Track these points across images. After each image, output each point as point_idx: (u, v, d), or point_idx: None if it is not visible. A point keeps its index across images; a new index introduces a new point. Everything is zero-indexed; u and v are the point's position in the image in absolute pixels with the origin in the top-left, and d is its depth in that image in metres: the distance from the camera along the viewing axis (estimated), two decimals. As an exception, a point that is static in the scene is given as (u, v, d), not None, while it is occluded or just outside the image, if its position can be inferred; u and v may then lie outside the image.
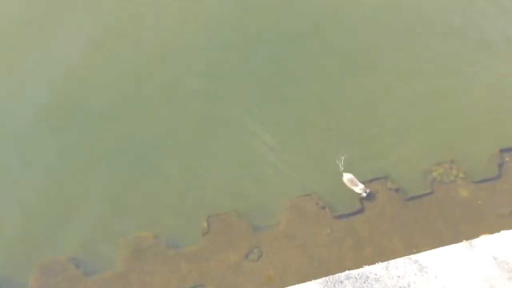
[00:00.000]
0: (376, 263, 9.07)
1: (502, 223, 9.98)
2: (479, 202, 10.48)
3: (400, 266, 9.00)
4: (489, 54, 11.74)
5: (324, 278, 9.08)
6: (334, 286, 8.93)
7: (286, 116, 11.21)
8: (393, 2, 11.46)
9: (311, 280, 9.09)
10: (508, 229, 9.43)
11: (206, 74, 11.25)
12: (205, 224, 10.29)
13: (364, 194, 10.32)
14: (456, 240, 9.53)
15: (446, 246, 9.25)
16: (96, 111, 10.82)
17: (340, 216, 10.51)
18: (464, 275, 8.81)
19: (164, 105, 11.04)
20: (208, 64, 11.39)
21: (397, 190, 10.69)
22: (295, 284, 9.08)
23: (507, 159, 10.83)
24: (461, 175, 10.78)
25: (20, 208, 10.03)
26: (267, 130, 11.03)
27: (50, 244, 9.90)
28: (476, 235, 9.45)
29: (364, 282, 8.86)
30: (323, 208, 10.50)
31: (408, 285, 8.80)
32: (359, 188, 10.32)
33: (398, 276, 8.87)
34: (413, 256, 9.09)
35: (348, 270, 9.13)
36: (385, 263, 8.98)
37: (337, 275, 9.07)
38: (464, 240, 9.19)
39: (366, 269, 9.02)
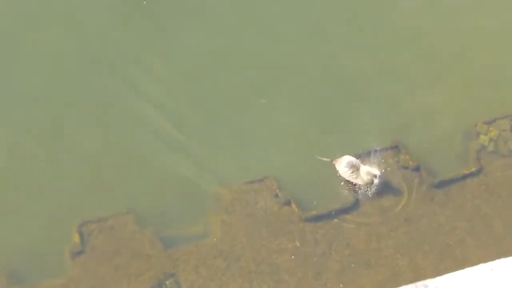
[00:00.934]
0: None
1: None
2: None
3: None
4: None
5: None
6: None
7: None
8: None
9: None
10: None
11: None
12: (76, 238, 7.48)
13: (371, 183, 7.67)
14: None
15: (493, 262, 7.12)
16: None
17: (317, 218, 7.80)
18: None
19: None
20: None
21: (417, 169, 8.05)
22: None
23: None
24: None
25: None
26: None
27: None
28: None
29: None
30: (287, 203, 7.76)
31: None
32: (362, 174, 7.71)
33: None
34: (430, 282, 6.95)
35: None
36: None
37: None
38: None
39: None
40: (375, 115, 8.54)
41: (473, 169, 8.09)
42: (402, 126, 8.42)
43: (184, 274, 7.30)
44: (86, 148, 8.22)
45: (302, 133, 8.29)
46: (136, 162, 8.11)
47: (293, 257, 7.46)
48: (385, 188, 7.95)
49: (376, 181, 7.82)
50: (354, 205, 7.81)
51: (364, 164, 7.84)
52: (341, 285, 7.34)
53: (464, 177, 8.03)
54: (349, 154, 7.94)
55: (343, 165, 7.83)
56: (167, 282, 7.29)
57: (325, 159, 8.03)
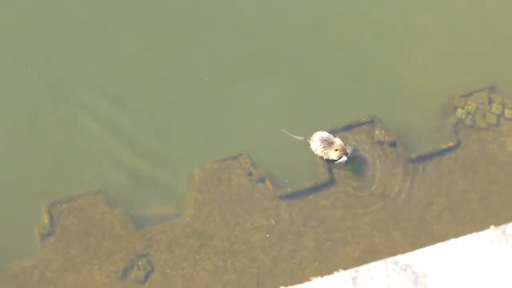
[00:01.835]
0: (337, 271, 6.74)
1: None
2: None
3: (377, 273, 6.78)
4: None
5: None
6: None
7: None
8: None
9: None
10: None
11: None
12: (45, 219, 7.34)
13: (344, 159, 7.61)
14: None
15: (464, 237, 6.98)
16: None
17: (292, 195, 7.69)
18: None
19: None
20: None
21: (393, 144, 7.93)
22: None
23: None
24: (508, 113, 8.22)
25: None
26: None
27: None
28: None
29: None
30: (262, 181, 7.66)
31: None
32: (335, 149, 7.62)
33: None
34: (400, 258, 6.82)
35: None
36: (352, 271, 6.67)
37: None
38: (493, 226, 7.11)
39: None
40: (351, 90, 8.33)
41: (451, 144, 7.93)
42: (378, 100, 8.22)
43: (157, 254, 7.16)
44: (54, 129, 8.08)
45: (276, 110, 8.08)
46: (105, 140, 7.96)
47: (267, 235, 7.30)
48: (360, 164, 7.81)
49: (349, 156, 7.66)
50: (329, 182, 7.64)
51: (337, 139, 7.66)
52: (316, 263, 7.21)
53: (442, 151, 7.87)
54: (323, 130, 7.74)
55: (315, 140, 7.67)
56: (140, 263, 7.13)
57: (298, 137, 7.87)
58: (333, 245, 7.31)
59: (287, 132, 7.93)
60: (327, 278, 6.80)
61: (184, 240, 7.25)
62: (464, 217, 7.59)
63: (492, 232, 7.05)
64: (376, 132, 7.92)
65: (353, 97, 8.25)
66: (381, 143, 7.87)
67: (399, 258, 6.93)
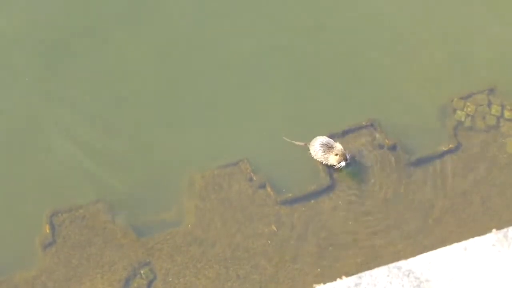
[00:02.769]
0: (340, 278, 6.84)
1: None
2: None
3: (380, 279, 6.81)
4: None
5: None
6: None
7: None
8: None
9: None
10: None
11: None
12: (47, 229, 7.30)
13: (343, 164, 7.59)
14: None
15: (467, 242, 6.97)
16: None
17: (293, 200, 7.63)
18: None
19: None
20: None
21: (393, 148, 7.90)
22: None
23: None
24: (508, 114, 8.14)
25: None
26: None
27: None
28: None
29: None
30: (262, 187, 7.62)
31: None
32: (335, 154, 7.60)
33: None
34: (403, 264, 6.82)
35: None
36: (355, 278, 6.72)
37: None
38: (495, 230, 7.12)
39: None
40: (350, 94, 8.24)
41: (451, 146, 7.86)
42: (378, 104, 8.12)
43: (159, 263, 7.11)
44: (53, 137, 7.97)
45: (276, 115, 7.99)
46: (106, 148, 7.84)
47: (269, 241, 7.25)
48: (361, 168, 7.75)
49: (349, 161, 7.59)
50: (330, 186, 7.58)
51: (337, 144, 7.60)
52: (318, 269, 7.16)
53: (442, 154, 7.81)
54: (324, 135, 7.66)
55: (315, 145, 7.63)
56: (142, 271, 7.09)
57: (299, 143, 7.78)
58: (335, 251, 7.25)
59: (288, 139, 7.84)
60: (330, 285, 6.82)
61: (185, 248, 7.20)
62: (466, 220, 7.54)
63: (494, 235, 7.07)
64: (376, 135, 7.87)
65: (353, 101, 8.17)
66: (381, 146, 7.84)
67: (402, 263, 6.89)
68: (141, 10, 8.62)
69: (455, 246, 7.07)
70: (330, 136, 7.69)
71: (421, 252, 7.08)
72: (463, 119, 8.10)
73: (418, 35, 8.64)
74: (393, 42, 8.57)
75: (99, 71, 8.25)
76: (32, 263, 7.21)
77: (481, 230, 7.30)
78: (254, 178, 7.58)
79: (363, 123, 7.88)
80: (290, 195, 7.52)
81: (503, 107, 8.16)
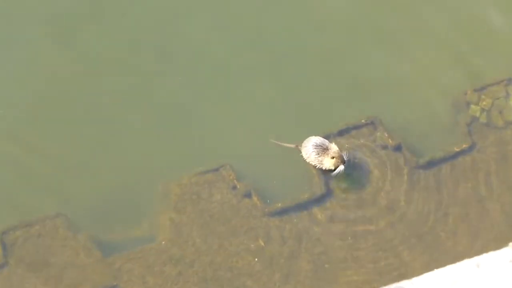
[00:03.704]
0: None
1: None
2: None
3: None
4: None
5: None
6: None
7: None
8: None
9: None
10: None
11: None
12: None
13: (342, 167, 7.03)
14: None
15: (480, 257, 6.53)
16: None
17: (283, 211, 7.12)
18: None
19: None
20: None
21: (398, 148, 7.36)
22: None
23: None
24: None
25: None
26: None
27: None
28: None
29: None
30: (248, 196, 7.14)
31: None
32: (331, 157, 7.04)
33: None
34: (407, 284, 6.42)
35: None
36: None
37: None
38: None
39: None
40: (346, 88, 7.71)
41: (465, 146, 7.45)
42: (378, 99, 7.61)
43: (128, 286, 6.62)
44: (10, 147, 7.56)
45: (262, 113, 7.48)
46: (68, 155, 7.40)
47: (256, 259, 6.70)
48: (361, 172, 7.27)
49: (347, 164, 7.07)
50: (326, 195, 7.09)
51: (333, 145, 7.07)
52: (312, 289, 6.86)
53: (455, 155, 7.36)
54: (317, 135, 7.12)
55: (308, 147, 7.08)
56: (108, 296, 6.84)
57: (289, 145, 7.26)
58: (332, 269, 6.76)
59: (276, 141, 7.33)
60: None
61: (159, 268, 6.71)
62: (481, 231, 7.01)
63: (511, 250, 6.72)
64: (378, 135, 7.44)
65: (349, 96, 7.69)
66: (384, 147, 7.37)
67: (405, 283, 6.55)
68: (105, 10, 8.20)
69: (467, 262, 6.74)
70: (325, 136, 7.18)
71: (428, 270, 6.60)
72: (478, 114, 7.78)
73: (424, 22, 8.13)
74: (393, 33, 8.04)
75: (64, 71, 7.74)
76: (-19, 289, 6.86)
77: (501, 242, 6.77)
78: (238, 186, 7.11)
79: (362, 120, 7.44)
80: (279, 205, 7.03)
81: (524, 99, 7.98)
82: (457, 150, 7.48)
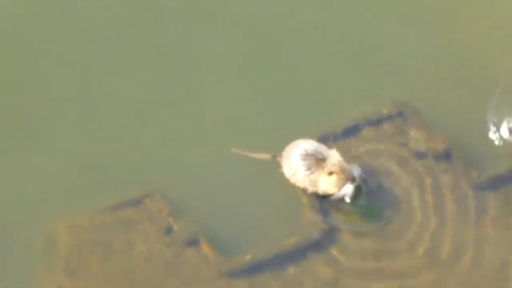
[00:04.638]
0: None
1: None
2: None
3: None
4: None
5: None
6: None
7: None
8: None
9: None
10: None
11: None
12: None
13: (350, 191, 4.51)
14: None
15: None
16: None
17: (254, 267, 4.53)
18: None
19: None
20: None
21: (446, 155, 4.87)
22: None
23: None
24: None
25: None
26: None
27: None
28: None
29: None
30: (193, 243, 4.59)
31: None
32: (329, 172, 4.58)
33: None
34: None
35: None
36: None
37: None
38: None
39: None
40: (355, 65, 5.49)
41: None
42: (408, 81, 5.06)
43: None
44: None
45: (216, 110, 5.20)
46: None
47: None
48: (383, 197, 4.90)
49: (358, 184, 4.65)
50: (326, 237, 4.77)
51: (333, 153, 4.56)
52: None
53: None
54: (308, 137, 4.72)
55: (293, 158, 4.60)
56: None
57: (261, 155, 4.97)
58: None
59: (239, 151, 4.89)
60: None
61: None
62: None
63: None
64: (411, 134, 5.01)
65: (362, 74, 5.34)
66: (421, 154, 5.03)
67: None
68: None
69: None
70: (321, 139, 4.73)
71: None
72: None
73: None
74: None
75: None
76: None
77: None
78: (175, 228, 4.64)
79: (384, 111, 4.93)
80: (248, 257, 4.52)
81: None
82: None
